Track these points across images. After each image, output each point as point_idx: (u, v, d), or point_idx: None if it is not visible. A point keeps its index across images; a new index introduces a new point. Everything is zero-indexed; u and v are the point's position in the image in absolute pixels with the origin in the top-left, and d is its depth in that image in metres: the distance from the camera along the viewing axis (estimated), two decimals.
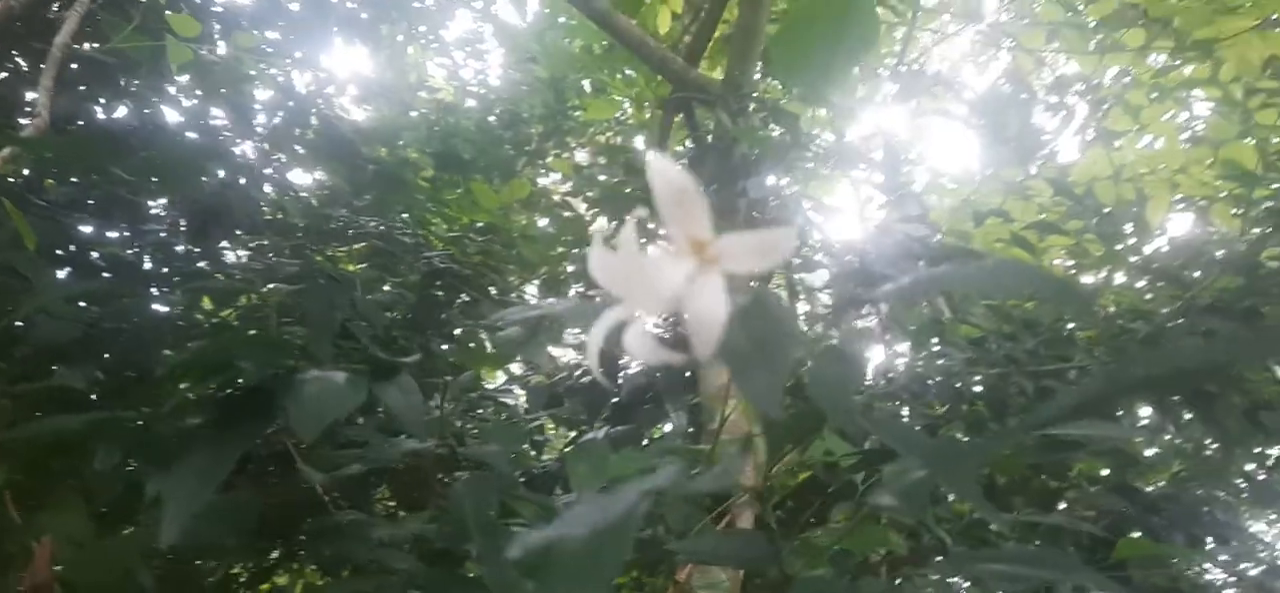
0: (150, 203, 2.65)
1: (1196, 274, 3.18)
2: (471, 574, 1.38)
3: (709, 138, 2.63)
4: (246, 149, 3.37)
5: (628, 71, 4.74)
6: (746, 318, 0.50)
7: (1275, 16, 3.02)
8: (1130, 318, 2.60)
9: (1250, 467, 2.67)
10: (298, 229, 3.16)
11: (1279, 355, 2.06)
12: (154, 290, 2.33)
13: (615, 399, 2.65)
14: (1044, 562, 0.81)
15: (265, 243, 3.00)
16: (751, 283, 0.58)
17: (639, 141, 4.86)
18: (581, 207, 5.01)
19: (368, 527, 1.46)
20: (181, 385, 1.09)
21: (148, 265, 2.40)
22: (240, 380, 0.99)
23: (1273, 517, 2.95)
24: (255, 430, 0.91)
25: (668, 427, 2.60)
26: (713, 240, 0.52)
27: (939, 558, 1.50)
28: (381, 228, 3.09)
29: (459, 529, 1.11)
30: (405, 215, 3.90)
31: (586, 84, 4.93)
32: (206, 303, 2.53)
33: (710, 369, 2.08)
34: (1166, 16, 3.11)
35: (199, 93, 2.95)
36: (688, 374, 2.73)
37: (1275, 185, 3.26)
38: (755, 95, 2.45)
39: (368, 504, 1.80)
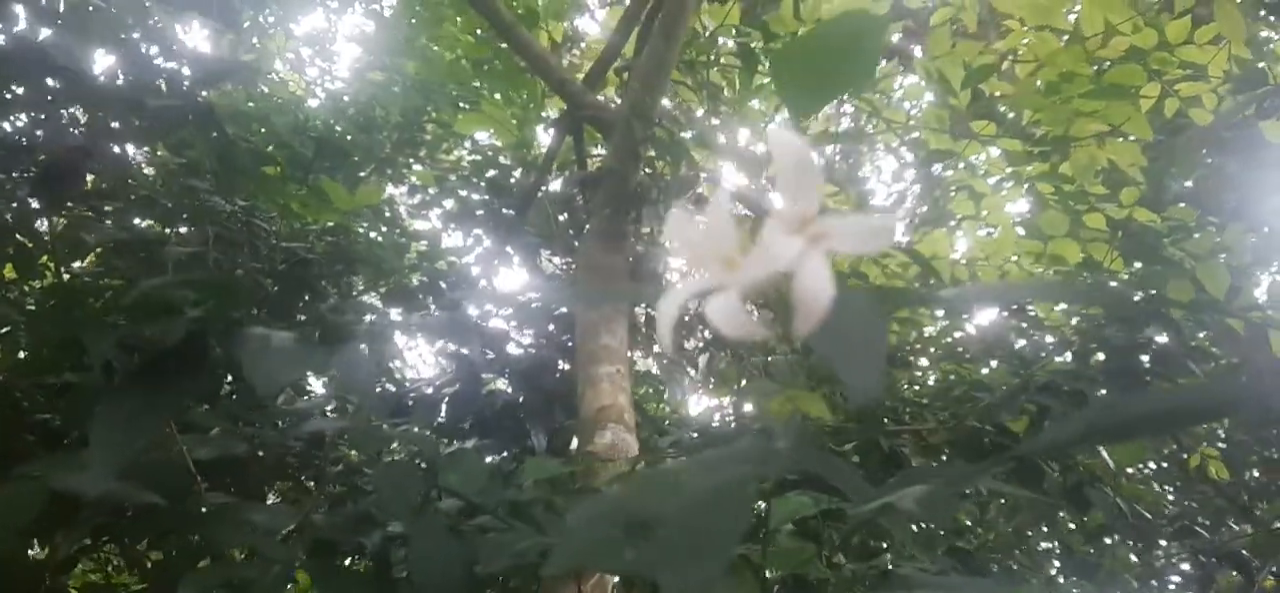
0: None
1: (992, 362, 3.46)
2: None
3: (598, 163, 2.64)
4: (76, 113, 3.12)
5: (497, 96, 4.71)
6: (842, 302, 0.50)
7: (1120, 124, 3.33)
8: (972, 388, 2.77)
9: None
10: (133, 199, 2.94)
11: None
12: None
13: (477, 415, 2.59)
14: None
15: (90, 212, 2.77)
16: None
17: (503, 161, 4.81)
18: (435, 221, 4.91)
19: (243, 511, 1.36)
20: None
21: None
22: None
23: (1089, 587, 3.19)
24: (193, 382, 0.84)
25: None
26: (821, 218, 0.52)
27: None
28: (236, 210, 2.92)
29: (381, 515, 1.05)
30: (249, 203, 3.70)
31: (456, 97, 4.84)
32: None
33: (588, 391, 2.07)
34: (1033, 108, 3.37)
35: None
36: (551, 398, 2.71)
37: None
38: (659, 124, 2.49)
39: (249, 489, 1.68)
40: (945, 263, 4.26)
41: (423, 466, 1.25)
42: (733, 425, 3.26)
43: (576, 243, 3.60)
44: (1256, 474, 3.98)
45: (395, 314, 3.89)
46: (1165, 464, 3.25)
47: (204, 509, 1.37)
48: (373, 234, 4.39)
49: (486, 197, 4.08)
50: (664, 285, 3.04)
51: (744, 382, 3.52)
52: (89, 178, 2.81)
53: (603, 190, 2.47)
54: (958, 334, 3.97)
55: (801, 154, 0.52)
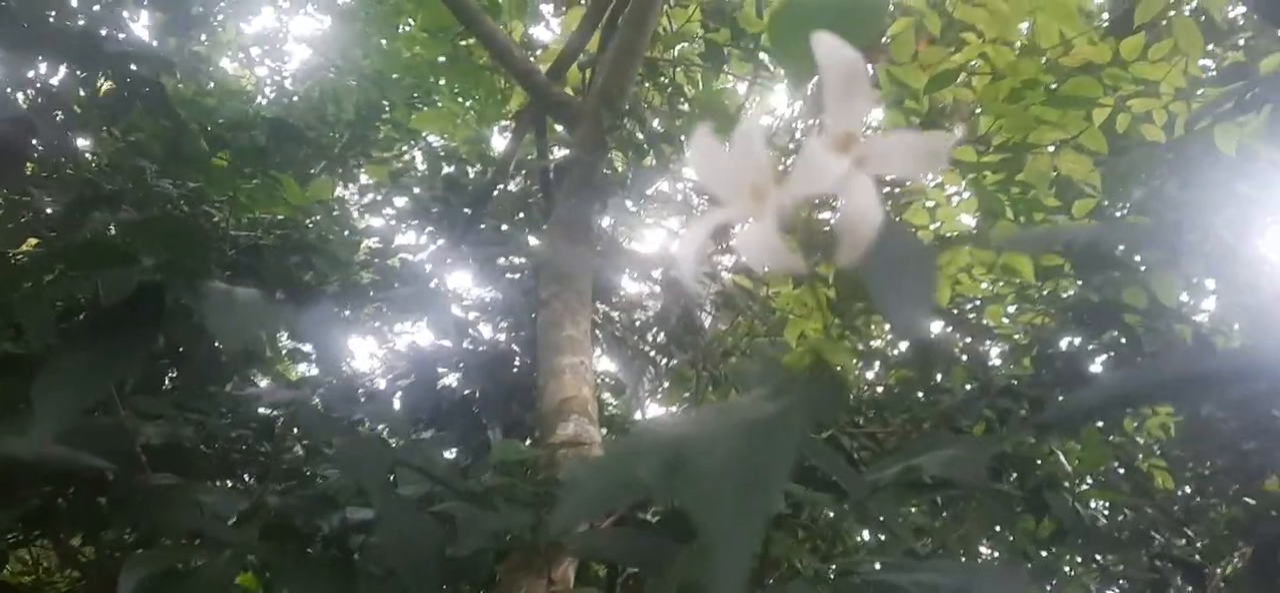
0: None
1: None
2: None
3: (559, 155, 2.60)
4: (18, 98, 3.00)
5: (455, 93, 4.65)
6: (887, 233, 0.46)
7: (1076, 136, 3.37)
8: (930, 392, 2.78)
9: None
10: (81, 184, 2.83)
11: None
12: None
13: (433, 408, 2.53)
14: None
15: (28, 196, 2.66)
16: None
17: (460, 157, 4.74)
18: (387, 220, 4.82)
19: (191, 492, 1.29)
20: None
21: None
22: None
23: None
24: (145, 337, 0.78)
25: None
26: (866, 137, 0.48)
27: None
28: (187, 196, 2.82)
29: (342, 496, 0.99)
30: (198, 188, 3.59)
31: (412, 93, 4.77)
32: None
33: (550, 383, 2.02)
34: (994, 114, 3.39)
35: None
36: (509, 393, 2.66)
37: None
38: (627, 115, 2.45)
39: (196, 475, 1.59)
40: None
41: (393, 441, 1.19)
42: None
43: (533, 242, 3.55)
44: (1188, 490, 4.05)
45: (345, 313, 3.81)
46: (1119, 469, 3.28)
47: (147, 494, 1.30)
48: (324, 232, 4.29)
49: (441, 194, 4.01)
50: (629, 281, 3.03)
51: (700, 384, 3.49)
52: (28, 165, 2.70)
53: (568, 181, 2.43)
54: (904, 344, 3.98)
55: (852, 65, 0.47)
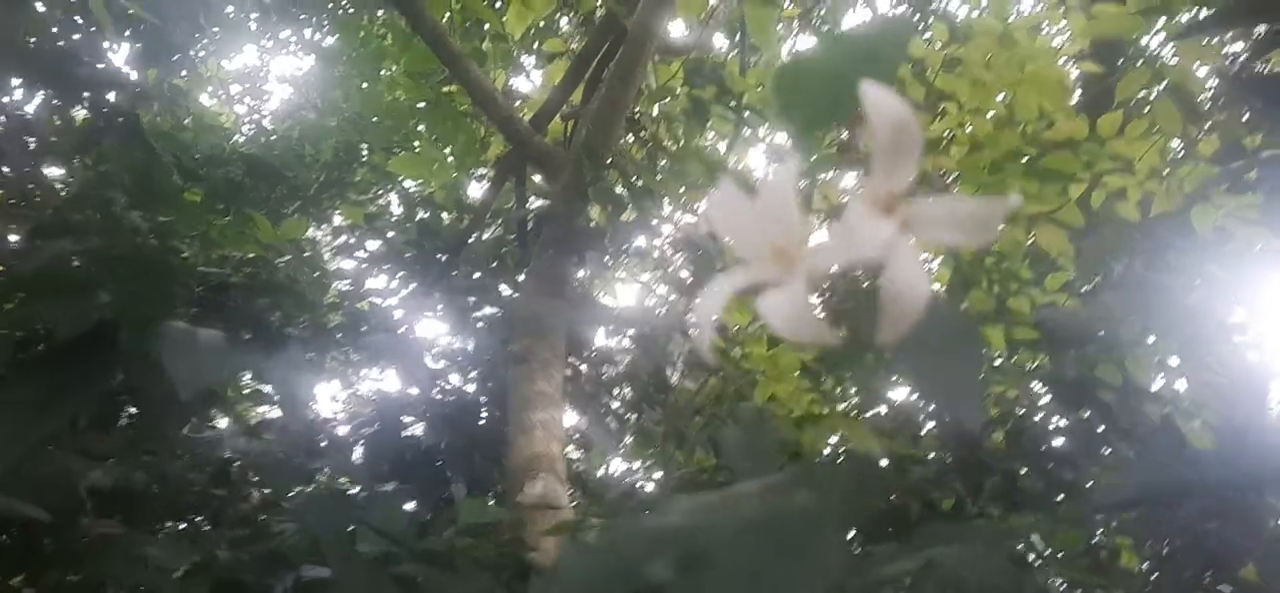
0: None
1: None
2: None
3: (537, 205, 2.57)
4: None
5: (434, 138, 4.61)
6: (932, 309, 0.42)
7: (1054, 210, 3.39)
8: (902, 461, 2.75)
9: None
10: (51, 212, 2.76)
11: None
12: None
13: (396, 458, 2.46)
14: None
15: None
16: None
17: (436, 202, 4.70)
18: (359, 262, 4.76)
19: (137, 544, 1.22)
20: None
21: None
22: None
23: None
24: (97, 375, 0.72)
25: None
26: (914, 200, 0.44)
27: None
28: (156, 229, 2.75)
29: (294, 556, 0.94)
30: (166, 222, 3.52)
31: (391, 136, 4.74)
32: None
33: (520, 438, 1.97)
34: (974, 186, 3.41)
35: None
36: (473, 445, 2.59)
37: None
38: (609, 166, 2.43)
39: (139, 525, 1.52)
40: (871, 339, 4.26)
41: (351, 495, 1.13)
42: (659, 489, 3.17)
43: (505, 291, 3.50)
44: (1148, 567, 4.02)
45: (311, 356, 3.73)
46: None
47: (90, 541, 1.23)
48: (293, 273, 4.22)
49: (415, 238, 3.96)
50: (602, 336, 2.98)
51: (667, 443, 3.44)
52: None
53: (546, 232, 2.39)
54: (872, 411, 3.95)
55: (902, 118, 0.44)
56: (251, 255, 3.75)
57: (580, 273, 2.38)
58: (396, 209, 4.94)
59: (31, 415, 0.67)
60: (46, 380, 0.70)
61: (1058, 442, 3.04)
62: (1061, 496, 2.84)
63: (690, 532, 0.39)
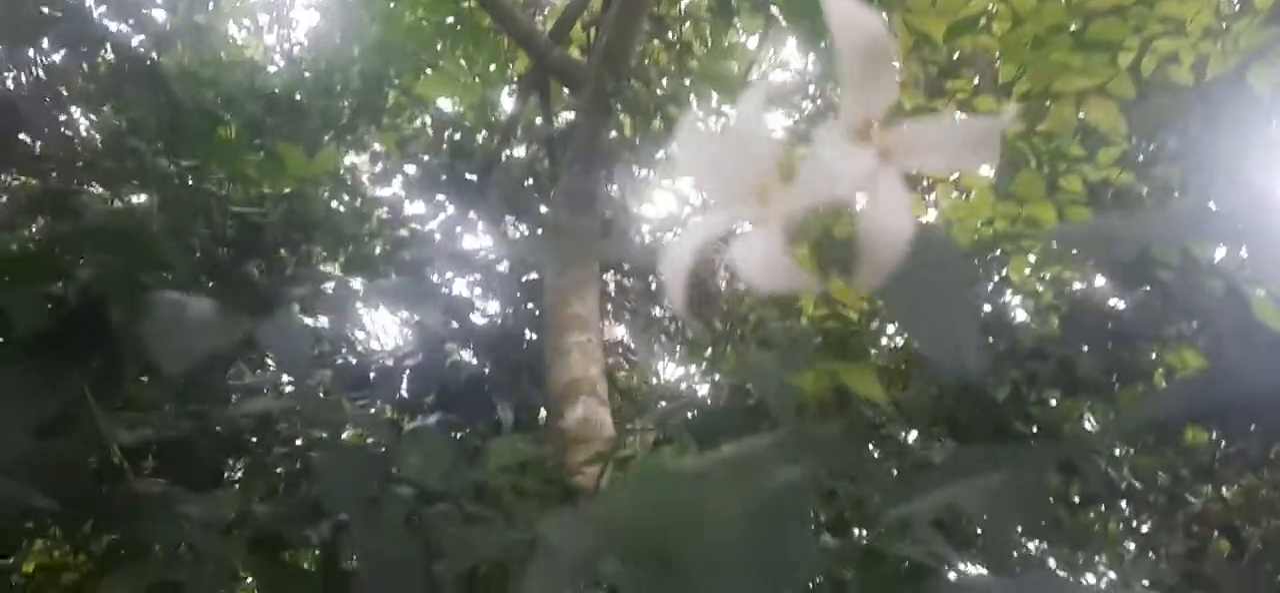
0: None
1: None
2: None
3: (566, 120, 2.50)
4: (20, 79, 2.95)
5: (460, 58, 4.54)
6: (919, 243, 0.37)
7: (1103, 83, 3.24)
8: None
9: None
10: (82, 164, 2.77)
11: None
12: None
13: (441, 388, 2.45)
14: None
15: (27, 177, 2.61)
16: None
17: (466, 125, 4.65)
18: (397, 189, 4.76)
19: (175, 501, 1.21)
20: None
21: None
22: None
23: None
24: (88, 359, 0.70)
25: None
26: (895, 126, 0.38)
27: None
28: (185, 172, 2.74)
29: (328, 505, 0.92)
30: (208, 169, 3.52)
31: (418, 59, 4.67)
32: None
33: (557, 363, 1.94)
34: (1017, 62, 3.26)
35: None
36: (518, 370, 2.58)
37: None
38: (632, 79, 2.35)
39: (189, 473, 1.53)
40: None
41: (380, 448, 1.11)
42: (711, 397, 3.15)
43: (542, 209, 3.46)
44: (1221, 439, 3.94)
45: (356, 284, 3.74)
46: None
47: (129, 501, 1.23)
48: (333, 202, 4.23)
49: (449, 161, 3.92)
50: (639, 248, 2.92)
51: (716, 349, 3.40)
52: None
53: (572, 148, 2.33)
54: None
55: (874, 34, 0.38)
56: (287, 191, 3.75)
57: (611, 187, 2.32)
58: (431, 132, 4.91)
59: (17, 406, 0.65)
60: (36, 363, 0.68)
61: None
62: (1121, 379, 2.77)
63: (645, 522, 0.35)
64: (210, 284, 2.19)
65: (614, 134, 2.37)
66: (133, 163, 2.78)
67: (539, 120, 3.32)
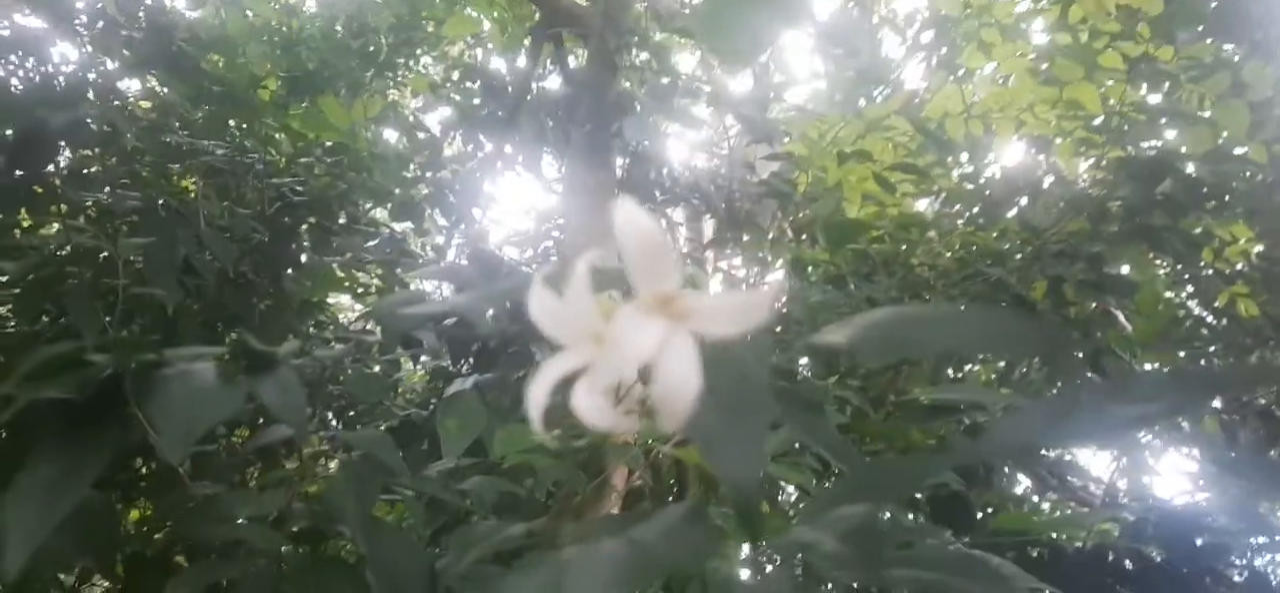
0: None
1: (1021, 203, 3.35)
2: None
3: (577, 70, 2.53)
4: (66, 51, 3.06)
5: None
6: (713, 381, 0.45)
7: None
8: (982, 260, 2.70)
9: None
10: (128, 146, 2.88)
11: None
12: None
13: (479, 343, 2.56)
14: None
15: (87, 167, 2.73)
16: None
17: (499, 62, 4.70)
18: (435, 126, 4.84)
19: (227, 503, 1.35)
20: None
21: None
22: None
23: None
24: (112, 436, 0.81)
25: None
26: (682, 298, 0.46)
27: None
28: (223, 150, 2.85)
29: (336, 517, 1.03)
30: (246, 137, 3.63)
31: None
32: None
33: None
34: None
35: None
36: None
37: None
38: (635, 30, 2.37)
39: (229, 477, 1.67)
40: (958, 121, 4.12)
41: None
42: None
43: (570, 132, 3.50)
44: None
45: (403, 227, 3.86)
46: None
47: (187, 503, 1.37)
48: (375, 143, 4.32)
49: (479, 101, 3.98)
50: (654, 199, 2.97)
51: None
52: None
53: (581, 107, 2.38)
54: (983, 178, 3.83)
55: (649, 231, 0.46)
56: (331, 143, 3.85)
57: (627, 140, 2.35)
58: (459, 69, 4.97)
59: (57, 489, 0.76)
60: (60, 452, 0.78)
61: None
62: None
63: None
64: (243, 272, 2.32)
65: (621, 89, 2.40)
66: (176, 143, 2.89)
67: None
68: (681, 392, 0.45)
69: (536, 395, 0.52)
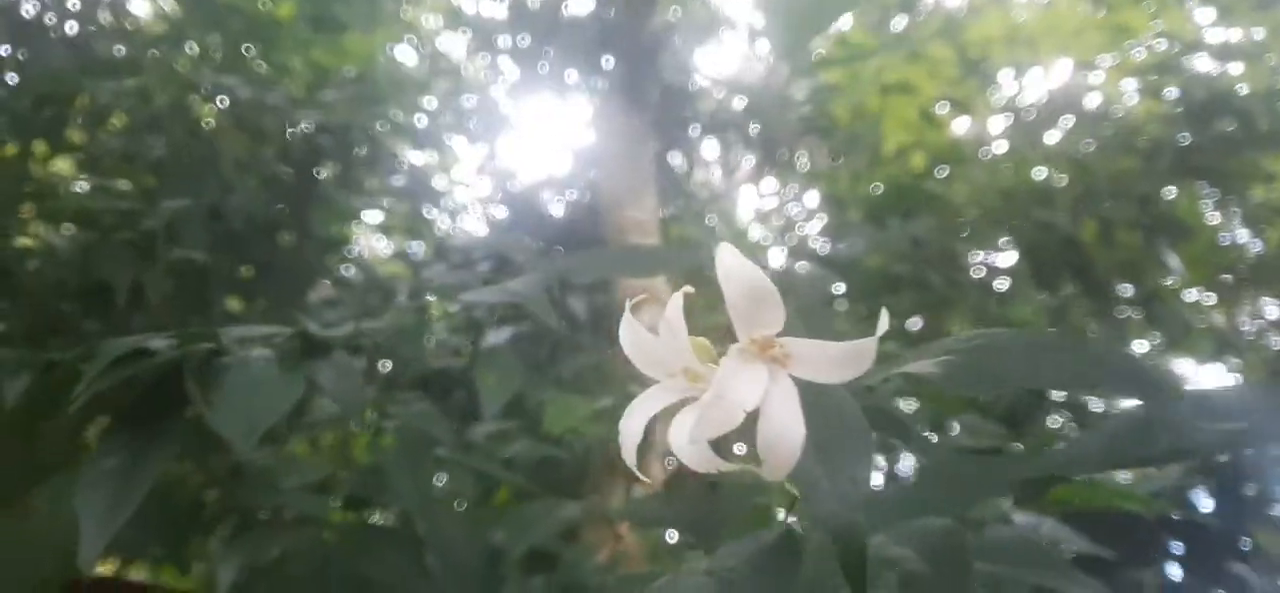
0: None
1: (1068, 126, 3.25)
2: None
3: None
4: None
5: None
6: (810, 422, 0.43)
7: None
8: (1029, 199, 2.65)
9: None
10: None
11: None
12: None
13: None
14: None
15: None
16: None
17: None
18: (458, 52, 4.74)
19: (278, 476, 1.34)
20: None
21: None
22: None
23: None
24: (174, 427, 0.79)
25: None
26: (785, 343, 0.44)
27: None
28: (245, 87, 2.79)
29: (389, 491, 1.02)
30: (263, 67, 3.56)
31: None
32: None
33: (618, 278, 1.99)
34: None
35: None
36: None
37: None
38: None
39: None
40: (1001, 47, 4.01)
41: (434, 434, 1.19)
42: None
43: (604, 61, 3.42)
44: None
45: (424, 158, 3.80)
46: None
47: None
48: (394, 75, 4.24)
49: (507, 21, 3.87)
50: (691, 143, 2.90)
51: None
52: None
53: (617, 37, 2.31)
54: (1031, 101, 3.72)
55: (752, 276, 0.44)
56: (353, 72, 3.79)
57: (663, 76, 2.28)
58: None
59: (122, 483, 0.75)
60: (125, 445, 0.77)
61: None
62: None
63: None
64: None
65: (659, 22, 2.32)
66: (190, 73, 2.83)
67: None
68: (788, 441, 0.43)
69: (631, 429, 0.50)
